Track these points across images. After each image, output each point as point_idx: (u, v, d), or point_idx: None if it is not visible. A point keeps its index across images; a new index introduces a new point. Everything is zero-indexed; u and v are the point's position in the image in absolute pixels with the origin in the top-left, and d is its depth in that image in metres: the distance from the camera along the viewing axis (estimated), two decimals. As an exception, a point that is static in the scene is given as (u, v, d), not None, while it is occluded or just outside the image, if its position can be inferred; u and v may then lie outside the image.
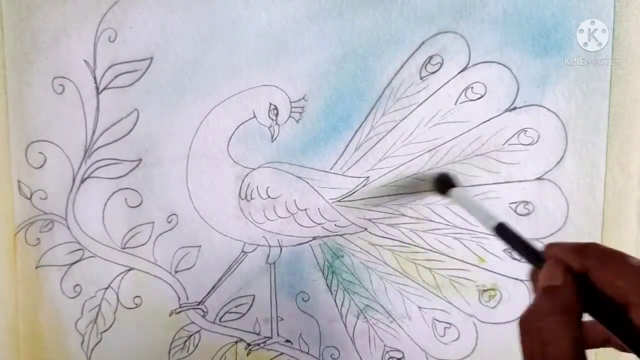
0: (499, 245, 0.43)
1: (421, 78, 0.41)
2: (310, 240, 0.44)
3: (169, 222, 0.43)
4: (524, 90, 0.41)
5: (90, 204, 0.43)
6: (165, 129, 0.42)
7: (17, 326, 0.45)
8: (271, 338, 0.45)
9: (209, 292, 0.44)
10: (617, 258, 0.25)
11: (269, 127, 0.42)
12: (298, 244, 0.44)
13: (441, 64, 0.41)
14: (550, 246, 0.28)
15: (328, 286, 0.44)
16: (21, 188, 0.44)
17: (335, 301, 0.44)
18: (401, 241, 0.43)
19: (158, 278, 0.44)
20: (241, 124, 0.42)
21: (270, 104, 0.42)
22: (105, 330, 0.45)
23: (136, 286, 0.44)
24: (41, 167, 0.43)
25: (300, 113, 0.42)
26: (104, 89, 0.42)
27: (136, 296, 0.44)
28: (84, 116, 0.43)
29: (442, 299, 0.44)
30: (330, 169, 0.43)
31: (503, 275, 0.43)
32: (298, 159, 0.43)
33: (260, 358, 0.45)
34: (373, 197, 0.43)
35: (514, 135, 0.42)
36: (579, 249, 0.26)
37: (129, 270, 0.44)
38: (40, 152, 0.43)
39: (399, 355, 0.44)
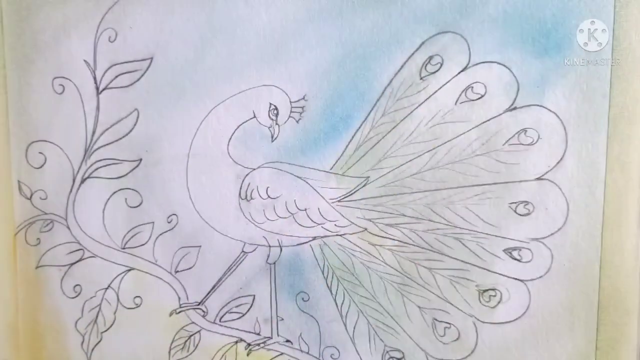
0: (498, 245, 0.43)
1: (421, 78, 0.41)
2: (310, 240, 0.44)
3: (169, 222, 0.43)
4: (524, 90, 0.41)
5: (90, 204, 0.43)
6: (165, 129, 0.43)
7: (17, 326, 0.45)
8: (271, 338, 0.45)
9: (209, 292, 0.44)
10: None
11: (269, 127, 0.42)
12: (298, 244, 0.44)
13: (441, 64, 0.41)
14: None
15: (328, 286, 0.44)
16: (21, 188, 0.44)
17: (335, 301, 0.44)
18: (401, 241, 0.43)
19: (158, 278, 0.44)
20: (241, 124, 0.42)
21: (270, 104, 0.42)
22: (105, 330, 0.45)
23: (136, 286, 0.44)
24: (41, 167, 0.43)
25: (300, 113, 0.42)
26: (104, 89, 0.42)
27: (136, 296, 0.44)
28: (84, 116, 0.43)
29: (442, 299, 0.44)
30: (330, 169, 0.43)
31: (503, 275, 0.43)
32: (298, 159, 0.43)
33: (260, 358, 0.45)
34: (373, 197, 0.43)
35: (514, 135, 0.42)
36: None
37: (129, 270, 0.44)
38: (40, 152, 0.43)
39: (399, 355, 0.44)
